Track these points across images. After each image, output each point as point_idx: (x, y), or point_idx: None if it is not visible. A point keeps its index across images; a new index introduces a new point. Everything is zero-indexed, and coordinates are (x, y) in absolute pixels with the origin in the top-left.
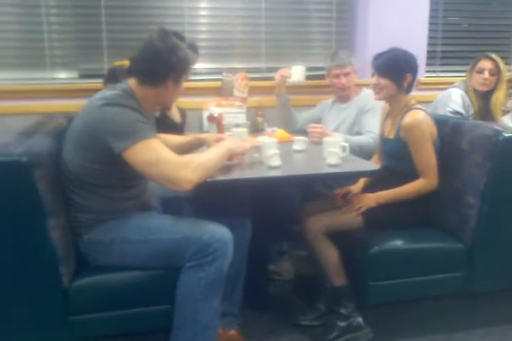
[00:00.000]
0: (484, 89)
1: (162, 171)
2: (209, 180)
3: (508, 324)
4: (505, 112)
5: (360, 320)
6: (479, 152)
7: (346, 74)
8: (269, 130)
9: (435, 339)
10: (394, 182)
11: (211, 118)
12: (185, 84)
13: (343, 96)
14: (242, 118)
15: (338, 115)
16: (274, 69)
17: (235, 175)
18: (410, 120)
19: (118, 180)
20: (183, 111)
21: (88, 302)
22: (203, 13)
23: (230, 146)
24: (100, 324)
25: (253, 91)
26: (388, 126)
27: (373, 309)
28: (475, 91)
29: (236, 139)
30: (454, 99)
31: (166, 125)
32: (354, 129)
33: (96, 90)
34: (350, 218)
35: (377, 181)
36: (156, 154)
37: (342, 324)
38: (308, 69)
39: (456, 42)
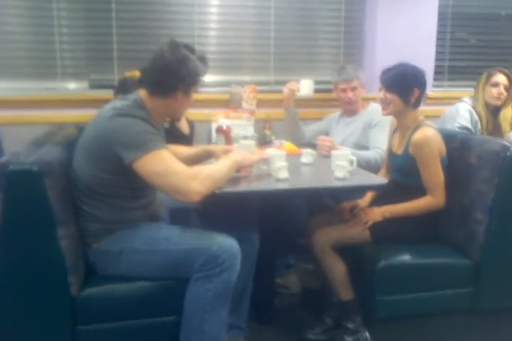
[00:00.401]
0: (498, 103)
1: (171, 182)
2: (217, 191)
3: None
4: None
5: (367, 335)
6: (487, 167)
7: (353, 89)
8: (276, 142)
9: None
10: (402, 196)
11: (219, 130)
12: (194, 96)
13: (350, 110)
14: (250, 131)
15: (345, 129)
16: (283, 82)
17: (243, 186)
18: (420, 137)
19: (127, 190)
20: (191, 123)
21: (96, 311)
22: (213, 25)
23: (238, 158)
24: (108, 334)
25: (261, 103)
26: (396, 142)
27: (380, 324)
28: (486, 105)
29: (244, 151)
30: (462, 115)
31: (174, 136)
32: (360, 143)
33: (106, 101)
34: (357, 232)
35: (385, 195)
36: (165, 165)
37: (349, 339)
38: (317, 82)
39: (463, 57)
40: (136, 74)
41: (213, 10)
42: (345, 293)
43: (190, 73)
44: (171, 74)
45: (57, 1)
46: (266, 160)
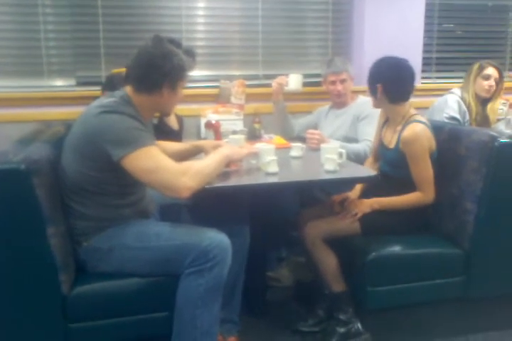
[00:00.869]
0: (487, 95)
1: (161, 178)
2: (207, 186)
3: (507, 328)
4: (498, 119)
5: (359, 325)
6: (475, 157)
7: (342, 81)
8: (266, 136)
9: None
10: (392, 188)
11: (209, 125)
12: (183, 91)
13: (340, 102)
14: (239, 125)
15: (334, 121)
16: (271, 76)
17: (233, 181)
18: (409, 134)
19: (116, 187)
20: (180, 118)
21: (88, 309)
22: (201, 20)
23: (228, 153)
24: (100, 331)
25: (250, 98)
26: (388, 135)
27: (372, 315)
28: (476, 96)
29: (233, 146)
30: (451, 105)
31: (163, 132)
32: (349, 136)
33: (94, 97)
34: (347, 224)
35: (374, 187)
36: (155, 161)
37: (341, 330)
38: (305, 76)
39: (451, 49)
40: (124, 70)
41: (200, 4)
42: (336, 284)
43: (175, 68)
44: (156, 70)
45: None
46: (255, 155)
